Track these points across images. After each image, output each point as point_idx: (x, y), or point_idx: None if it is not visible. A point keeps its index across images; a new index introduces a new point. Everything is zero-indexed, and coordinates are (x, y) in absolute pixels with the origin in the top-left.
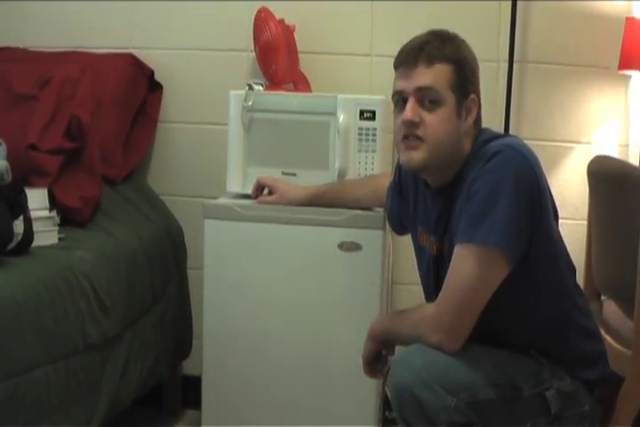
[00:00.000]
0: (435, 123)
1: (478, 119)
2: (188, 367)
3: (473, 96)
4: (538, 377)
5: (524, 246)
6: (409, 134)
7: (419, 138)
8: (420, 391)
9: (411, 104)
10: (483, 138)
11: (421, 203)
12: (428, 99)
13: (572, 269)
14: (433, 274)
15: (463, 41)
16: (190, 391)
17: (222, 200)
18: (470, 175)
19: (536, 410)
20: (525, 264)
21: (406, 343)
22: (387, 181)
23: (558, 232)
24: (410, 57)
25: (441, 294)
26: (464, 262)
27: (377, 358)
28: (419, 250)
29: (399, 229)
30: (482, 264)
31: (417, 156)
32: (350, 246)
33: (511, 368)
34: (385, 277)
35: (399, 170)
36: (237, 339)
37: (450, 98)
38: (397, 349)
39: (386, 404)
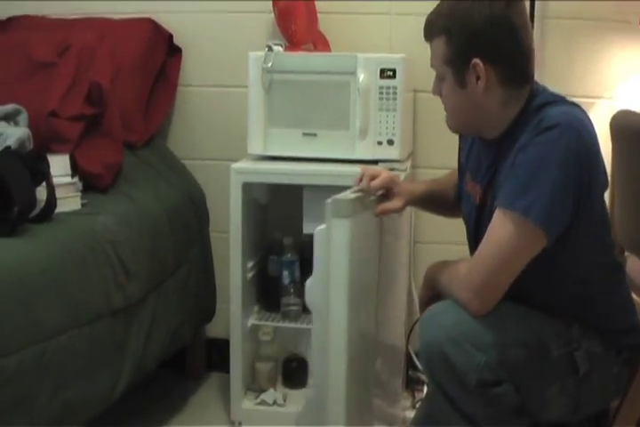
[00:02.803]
0: (444, 97)
1: (511, 81)
2: (212, 331)
3: (475, 61)
4: (567, 337)
5: (566, 224)
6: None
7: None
8: (449, 349)
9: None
10: (539, 101)
11: (475, 151)
12: (438, 74)
13: (613, 241)
14: (474, 221)
15: None
16: (214, 355)
17: (246, 163)
18: (522, 137)
19: (564, 370)
20: (564, 235)
21: (447, 295)
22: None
23: (603, 205)
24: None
25: (476, 255)
26: (502, 229)
27: (431, 302)
28: (464, 196)
29: None
30: (520, 236)
31: (448, 122)
32: None
33: (541, 327)
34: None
35: None
36: None
37: (447, 72)
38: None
39: (409, 364)
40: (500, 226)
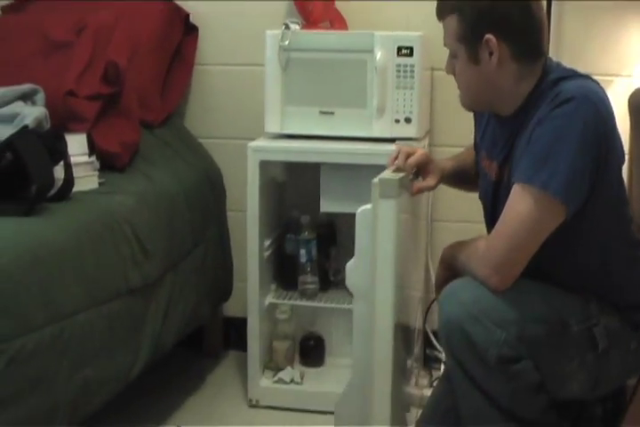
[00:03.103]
0: (458, 75)
1: (524, 55)
2: (229, 310)
3: (488, 36)
4: (586, 313)
5: (584, 197)
6: None
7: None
8: (469, 326)
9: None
10: (554, 76)
11: (490, 129)
12: (451, 51)
13: (630, 217)
14: (491, 198)
15: None
16: (231, 333)
17: (264, 141)
18: (538, 112)
19: (584, 346)
20: (582, 210)
21: (466, 273)
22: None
23: (621, 180)
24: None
25: (494, 231)
26: (521, 204)
27: (447, 284)
28: (481, 173)
29: None
30: (540, 210)
31: (462, 100)
32: None
33: (560, 303)
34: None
35: None
36: None
37: (459, 49)
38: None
39: (427, 342)
40: (519, 201)
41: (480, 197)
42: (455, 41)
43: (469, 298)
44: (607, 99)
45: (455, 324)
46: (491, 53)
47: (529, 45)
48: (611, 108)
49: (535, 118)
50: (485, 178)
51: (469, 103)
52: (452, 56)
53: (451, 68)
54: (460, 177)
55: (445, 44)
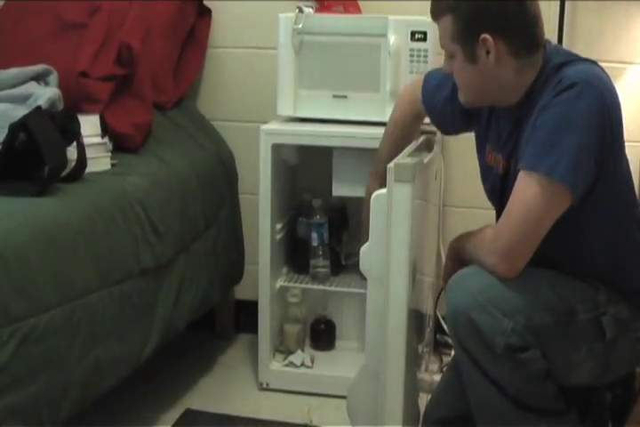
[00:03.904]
0: (455, 73)
1: (522, 50)
2: (240, 292)
3: (484, 36)
4: (593, 301)
5: (590, 182)
6: None
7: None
8: (476, 314)
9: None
10: (557, 61)
11: (494, 121)
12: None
13: (637, 203)
14: (499, 192)
15: None
16: (242, 316)
17: (276, 125)
18: (542, 99)
19: (591, 335)
20: (588, 196)
21: (474, 263)
22: (401, 114)
23: (627, 164)
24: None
25: (502, 219)
26: (527, 191)
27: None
28: (485, 170)
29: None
30: (545, 196)
31: (462, 98)
32: None
33: (567, 292)
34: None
35: None
36: None
37: (456, 49)
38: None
39: (437, 328)
40: (525, 188)
41: (488, 195)
42: (451, 41)
43: (477, 287)
44: (610, 82)
45: (462, 312)
46: (488, 52)
47: (526, 40)
48: (614, 92)
49: (539, 106)
50: (491, 173)
51: (471, 100)
52: (449, 56)
53: (449, 68)
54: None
55: (442, 46)
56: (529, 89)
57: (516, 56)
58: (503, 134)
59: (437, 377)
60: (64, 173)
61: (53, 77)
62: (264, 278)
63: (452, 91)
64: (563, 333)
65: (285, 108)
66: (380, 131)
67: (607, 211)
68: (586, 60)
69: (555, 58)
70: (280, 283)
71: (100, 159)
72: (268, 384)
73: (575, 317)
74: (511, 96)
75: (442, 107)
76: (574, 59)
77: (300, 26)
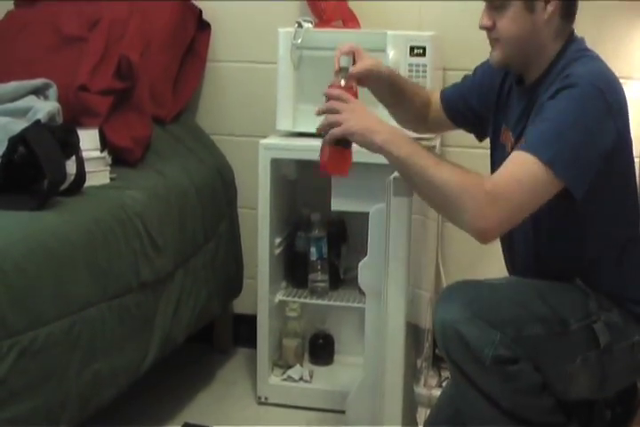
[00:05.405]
0: (504, 24)
1: (568, 13)
2: (239, 306)
3: None
4: (585, 309)
5: (589, 180)
6: (488, 37)
7: (495, 39)
8: (464, 327)
9: (484, 11)
10: (572, 51)
11: (511, 101)
12: (495, 3)
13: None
14: None
15: None
16: (241, 330)
17: (275, 139)
18: (550, 89)
19: (585, 344)
20: (591, 199)
21: (404, 174)
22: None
23: (628, 166)
24: None
25: (501, 180)
26: (526, 172)
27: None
28: (496, 150)
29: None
30: (544, 186)
31: (494, 54)
32: None
33: (557, 302)
34: None
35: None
36: None
37: None
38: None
39: (435, 342)
40: (525, 169)
41: (491, 172)
42: None
43: (465, 300)
44: (618, 83)
45: (449, 325)
46: (547, 2)
47: (574, 6)
48: (621, 93)
49: (547, 93)
50: (502, 151)
51: (508, 55)
52: (495, 7)
53: (489, 21)
54: (394, 90)
55: None
56: (547, 67)
57: (562, 17)
58: (516, 113)
59: (436, 392)
60: (63, 187)
61: (53, 91)
62: (263, 292)
63: (471, 92)
64: (555, 343)
65: (284, 123)
66: None
67: (608, 215)
68: (599, 58)
69: (572, 46)
70: (279, 297)
71: (99, 173)
72: (266, 398)
73: (567, 327)
74: (538, 65)
75: (458, 98)
76: (587, 54)
77: (300, 41)
